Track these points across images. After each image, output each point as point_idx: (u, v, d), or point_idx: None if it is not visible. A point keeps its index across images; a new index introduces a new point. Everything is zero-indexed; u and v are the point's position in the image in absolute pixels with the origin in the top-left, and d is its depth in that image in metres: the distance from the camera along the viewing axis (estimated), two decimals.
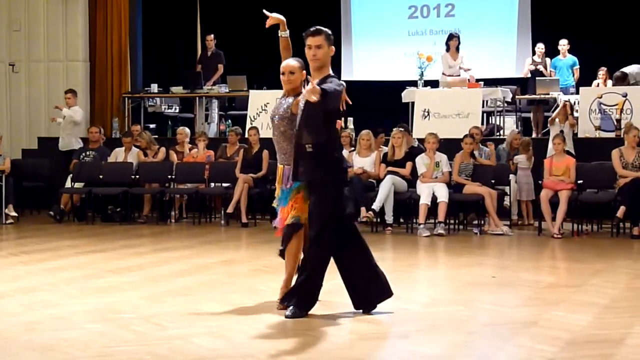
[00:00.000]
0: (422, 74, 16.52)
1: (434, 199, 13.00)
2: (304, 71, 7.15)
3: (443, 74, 16.65)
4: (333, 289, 7.45)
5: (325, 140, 6.83)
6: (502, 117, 16.37)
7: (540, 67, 17.08)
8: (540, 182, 13.09)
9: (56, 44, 18.38)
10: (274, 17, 7.25)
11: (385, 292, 7.06)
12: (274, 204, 7.34)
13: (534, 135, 16.19)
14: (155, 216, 14.93)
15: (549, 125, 15.06)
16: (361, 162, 13.67)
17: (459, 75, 16.49)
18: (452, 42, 16.67)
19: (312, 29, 6.94)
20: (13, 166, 15.35)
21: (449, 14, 19.69)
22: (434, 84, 16.72)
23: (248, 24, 19.66)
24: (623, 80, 15.61)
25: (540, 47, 17.29)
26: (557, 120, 14.50)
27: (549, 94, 16.14)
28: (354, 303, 7.06)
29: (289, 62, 7.17)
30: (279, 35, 7.26)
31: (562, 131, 14.12)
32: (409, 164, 13.50)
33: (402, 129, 13.86)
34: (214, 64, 18.01)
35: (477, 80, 16.55)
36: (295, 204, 7.04)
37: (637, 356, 5.61)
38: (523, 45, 18.71)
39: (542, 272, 9.71)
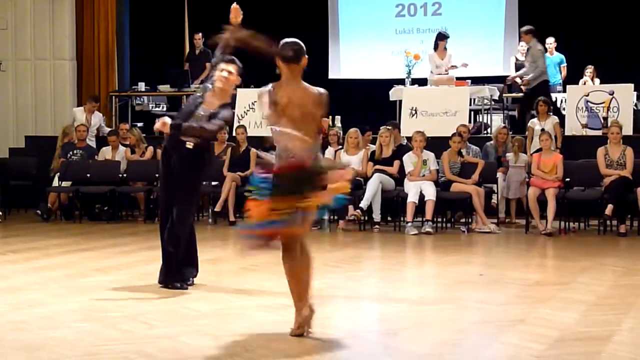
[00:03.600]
0: (409, 72, 16.51)
1: (422, 197, 13.01)
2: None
3: (431, 72, 16.63)
4: (321, 287, 7.46)
5: None
6: (489, 115, 16.38)
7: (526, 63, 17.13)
8: (527, 179, 13.12)
9: (43, 42, 18.33)
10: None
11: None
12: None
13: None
14: (143, 214, 14.90)
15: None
16: (349, 160, 13.67)
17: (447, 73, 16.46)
18: (442, 42, 16.55)
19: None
20: (0, 165, 15.30)
21: (436, 12, 19.72)
22: (421, 82, 16.71)
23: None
24: (527, 33, 15.75)
25: (523, 45, 17.30)
26: (537, 119, 14.60)
27: None
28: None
29: None
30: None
31: (543, 129, 14.13)
32: (396, 162, 13.51)
33: (389, 127, 13.87)
34: (201, 63, 17.96)
35: (465, 79, 16.56)
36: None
37: (624, 353, 5.63)
38: (510, 44, 18.74)
39: (530, 270, 9.74)
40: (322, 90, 6.14)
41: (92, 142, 16.17)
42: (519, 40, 17.80)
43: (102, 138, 16.48)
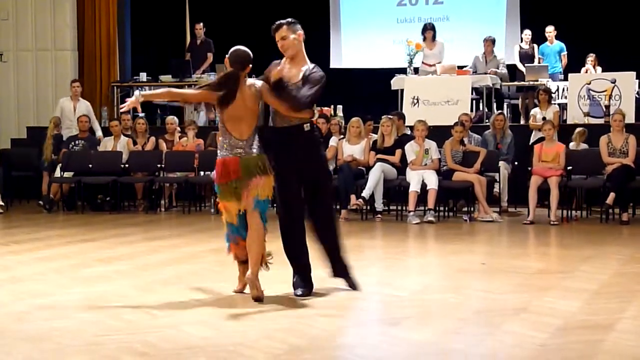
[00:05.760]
0: (411, 62, 16.53)
1: (424, 186, 13.02)
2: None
3: (423, 62, 16.71)
4: (324, 276, 7.46)
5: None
6: (491, 104, 16.36)
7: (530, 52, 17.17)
8: (529, 168, 13.11)
9: (44, 33, 18.33)
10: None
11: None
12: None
13: (522, 122, 16.20)
14: (145, 205, 14.91)
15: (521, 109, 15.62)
16: (351, 149, 13.68)
17: (437, 64, 16.48)
18: (427, 33, 16.70)
19: (273, 25, 7.18)
20: (2, 155, 15.31)
21: (437, 1, 19.70)
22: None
23: (237, 12, 19.65)
24: (493, 42, 16.77)
25: (527, 34, 17.31)
26: (538, 108, 14.67)
27: (537, 81, 16.15)
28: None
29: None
30: None
31: (544, 118, 14.17)
32: (398, 152, 13.51)
33: (391, 117, 13.86)
34: (203, 53, 17.97)
35: (467, 67, 16.58)
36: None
37: (627, 341, 5.63)
38: (512, 32, 18.71)
39: (532, 259, 9.74)
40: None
41: (76, 131, 16.11)
42: (521, 29, 17.82)
43: (103, 128, 16.46)
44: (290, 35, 7.08)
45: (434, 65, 16.51)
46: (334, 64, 19.89)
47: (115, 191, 14.70)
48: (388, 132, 13.61)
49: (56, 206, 14.97)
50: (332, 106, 15.78)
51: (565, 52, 17.08)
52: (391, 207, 13.99)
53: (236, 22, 19.35)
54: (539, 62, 16.96)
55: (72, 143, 15.54)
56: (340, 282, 7.38)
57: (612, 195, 12.35)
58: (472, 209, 13.33)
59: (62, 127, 16.07)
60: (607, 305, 6.73)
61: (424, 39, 16.66)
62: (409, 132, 14.19)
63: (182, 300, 7.00)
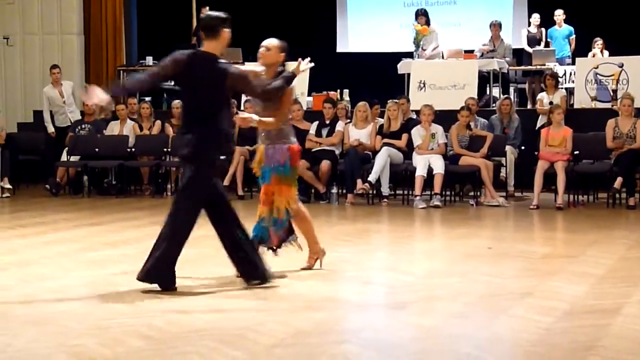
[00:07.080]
0: (417, 46, 16.48)
1: (430, 170, 13.00)
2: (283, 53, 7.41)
3: (422, 48, 16.68)
4: (331, 260, 7.45)
5: None
6: (499, 88, 16.31)
7: (537, 37, 17.10)
8: (536, 153, 13.07)
9: (51, 16, 18.30)
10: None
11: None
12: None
13: (529, 107, 16.16)
14: (151, 189, 14.91)
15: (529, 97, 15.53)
16: (357, 134, 13.65)
17: (434, 49, 16.45)
18: (420, 19, 16.63)
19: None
20: (9, 139, 15.33)
21: None
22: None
23: None
24: (500, 27, 16.82)
25: (536, 18, 17.26)
26: (545, 92, 14.63)
27: (545, 65, 16.10)
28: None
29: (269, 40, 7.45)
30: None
31: (551, 102, 14.14)
32: (404, 136, 13.48)
33: (397, 101, 13.84)
34: None
35: (474, 51, 16.54)
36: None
37: (633, 325, 5.62)
38: (519, 16, 18.66)
39: (538, 243, 9.74)
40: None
41: (76, 114, 16.11)
42: (529, 13, 17.75)
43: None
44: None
45: (433, 49, 16.43)
46: (340, 48, 19.86)
47: (121, 175, 14.71)
48: (394, 116, 13.58)
49: (63, 190, 14.99)
50: (338, 90, 15.76)
51: (574, 36, 17.03)
52: (397, 192, 13.97)
53: (242, 6, 19.28)
54: (547, 46, 16.91)
55: (79, 127, 15.54)
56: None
57: (619, 179, 12.31)
58: (478, 193, 13.30)
59: (55, 115, 16.15)
60: (613, 290, 6.72)
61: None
62: (414, 117, 14.16)
63: (187, 284, 7.01)
